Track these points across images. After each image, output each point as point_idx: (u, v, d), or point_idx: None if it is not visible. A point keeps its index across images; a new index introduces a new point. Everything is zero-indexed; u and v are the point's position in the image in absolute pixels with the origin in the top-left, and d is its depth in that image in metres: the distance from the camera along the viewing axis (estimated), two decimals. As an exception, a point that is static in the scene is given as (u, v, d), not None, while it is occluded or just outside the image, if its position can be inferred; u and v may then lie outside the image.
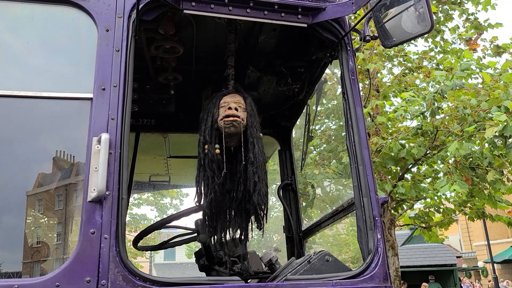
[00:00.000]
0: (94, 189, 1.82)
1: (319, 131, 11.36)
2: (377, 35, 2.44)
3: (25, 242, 2.54)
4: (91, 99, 1.97)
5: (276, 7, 2.31)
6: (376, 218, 2.10)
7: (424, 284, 17.11)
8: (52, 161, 2.08)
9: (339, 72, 2.52)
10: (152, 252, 27.06)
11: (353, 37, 2.79)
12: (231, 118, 2.32)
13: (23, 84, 2.01)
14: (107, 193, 1.84)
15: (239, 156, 2.38)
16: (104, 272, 1.75)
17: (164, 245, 3.05)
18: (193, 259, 2.83)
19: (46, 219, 2.43)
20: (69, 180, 2.20)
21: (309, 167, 10.21)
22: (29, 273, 2.23)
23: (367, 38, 2.42)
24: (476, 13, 10.42)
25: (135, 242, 2.87)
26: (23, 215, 2.45)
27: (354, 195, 2.23)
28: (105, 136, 1.86)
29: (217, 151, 2.31)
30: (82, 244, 1.79)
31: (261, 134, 2.44)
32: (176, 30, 2.75)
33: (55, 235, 2.60)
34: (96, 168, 1.83)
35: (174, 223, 2.98)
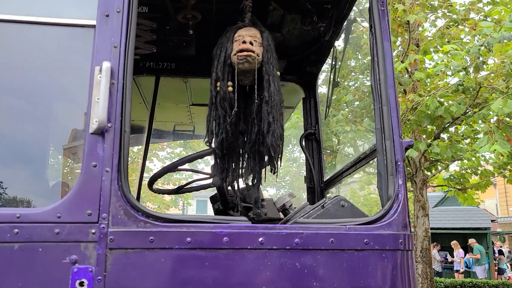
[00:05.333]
0: (95, 121, 1.73)
1: (353, 87, 10.96)
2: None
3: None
4: (94, 26, 1.85)
5: None
6: (399, 163, 1.92)
7: (472, 240, 16.94)
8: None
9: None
10: (185, 204, 27.90)
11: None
12: (245, 53, 2.15)
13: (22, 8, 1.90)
14: (108, 125, 1.75)
15: (254, 96, 2.22)
16: (105, 206, 1.69)
17: (180, 189, 3.01)
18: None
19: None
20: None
21: (340, 124, 9.95)
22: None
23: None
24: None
25: (150, 183, 2.83)
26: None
27: (376, 139, 2.05)
28: (106, 65, 1.75)
29: (230, 88, 2.17)
30: (84, 177, 1.73)
31: (278, 73, 2.26)
32: (192, -40, 2.55)
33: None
34: (97, 98, 1.74)
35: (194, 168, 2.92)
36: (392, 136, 1.96)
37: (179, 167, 2.74)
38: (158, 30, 3.17)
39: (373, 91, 2.06)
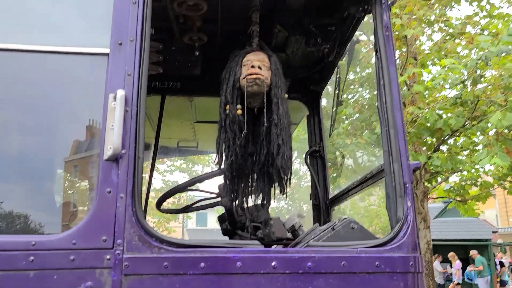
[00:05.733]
0: (110, 148, 1.76)
1: (352, 100, 11.02)
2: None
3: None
4: (107, 54, 1.89)
5: None
6: (407, 185, 1.95)
7: (473, 252, 16.88)
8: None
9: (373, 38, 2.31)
10: (185, 217, 27.78)
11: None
12: (254, 76, 2.19)
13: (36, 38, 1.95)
14: (123, 151, 1.78)
15: (262, 118, 2.27)
16: (120, 232, 1.72)
17: (187, 209, 3.03)
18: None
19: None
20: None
21: (341, 137, 9.98)
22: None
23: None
24: (527, -27, 9.59)
25: (159, 204, 2.86)
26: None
27: (383, 161, 2.09)
28: (121, 93, 1.78)
29: (239, 111, 2.21)
30: (99, 203, 1.75)
31: (286, 95, 2.31)
32: (199, -15, 2.61)
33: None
34: (112, 125, 1.77)
35: (199, 187, 2.94)
36: (399, 158, 1.99)
37: (188, 188, 2.76)
38: (164, 51, 3.21)
39: (380, 114, 2.10)
